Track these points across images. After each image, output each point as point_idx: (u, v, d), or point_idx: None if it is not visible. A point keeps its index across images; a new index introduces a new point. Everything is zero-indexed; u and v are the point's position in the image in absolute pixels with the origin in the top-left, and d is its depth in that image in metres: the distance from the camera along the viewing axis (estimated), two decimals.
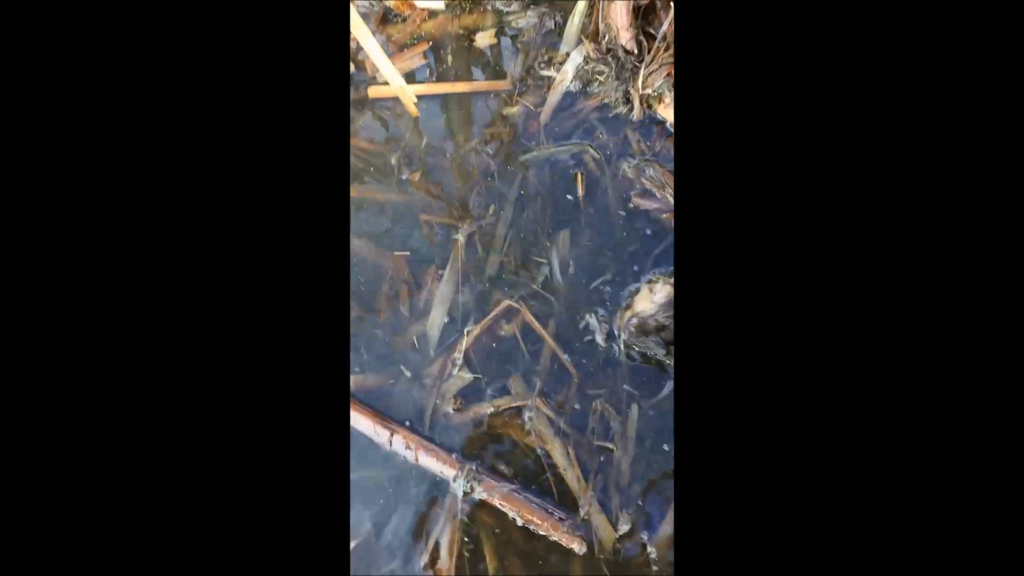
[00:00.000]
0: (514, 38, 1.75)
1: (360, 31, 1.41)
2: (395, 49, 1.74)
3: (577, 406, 1.33)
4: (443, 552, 1.24)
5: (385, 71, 1.53)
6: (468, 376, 1.36)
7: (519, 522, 1.25)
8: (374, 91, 1.68)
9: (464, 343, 1.38)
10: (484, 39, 1.77)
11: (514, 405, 1.34)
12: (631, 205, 1.51)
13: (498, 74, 1.72)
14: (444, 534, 1.25)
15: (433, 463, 1.30)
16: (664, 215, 1.50)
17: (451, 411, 1.35)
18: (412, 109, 1.63)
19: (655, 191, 1.52)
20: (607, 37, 1.64)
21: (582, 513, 1.25)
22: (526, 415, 1.33)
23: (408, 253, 1.49)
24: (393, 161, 1.61)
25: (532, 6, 1.73)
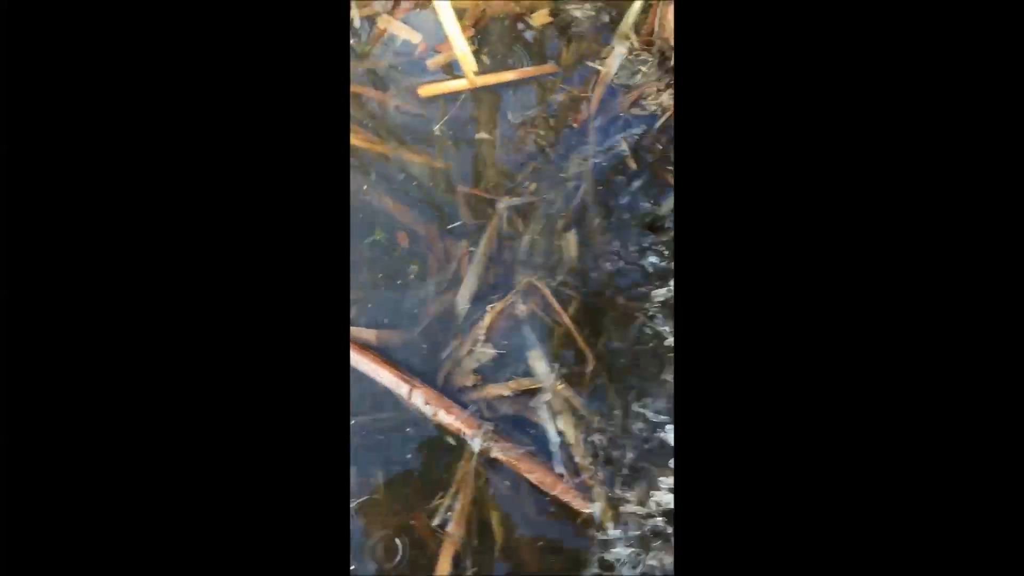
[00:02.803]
0: (568, 26, 1.78)
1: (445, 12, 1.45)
2: None
3: (592, 388, 1.43)
4: (455, 507, 1.34)
5: (459, 50, 1.57)
6: (491, 351, 1.44)
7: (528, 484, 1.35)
8: (428, 89, 1.71)
9: (488, 319, 1.46)
10: (539, 19, 1.79)
11: (533, 387, 1.42)
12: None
13: (542, 60, 1.76)
14: (456, 491, 1.35)
15: (452, 420, 1.38)
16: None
17: (469, 386, 1.43)
18: (472, 78, 1.67)
19: None
20: (656, 36, 1.69)
21: (585, 478, 1.35)
22: (543, 397, 1.42)
23: (446, 225, 1.56)
24: (437, 131, 1.65)
25: (590, 0, 1.77)
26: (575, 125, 1.68)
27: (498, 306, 1.47)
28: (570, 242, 1.54)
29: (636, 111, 1.69)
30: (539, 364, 1.44)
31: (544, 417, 1.40)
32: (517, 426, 1.40)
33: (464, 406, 1.40)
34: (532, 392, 1.41)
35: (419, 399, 1.40)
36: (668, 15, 1.65)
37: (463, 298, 1.49)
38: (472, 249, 1.53)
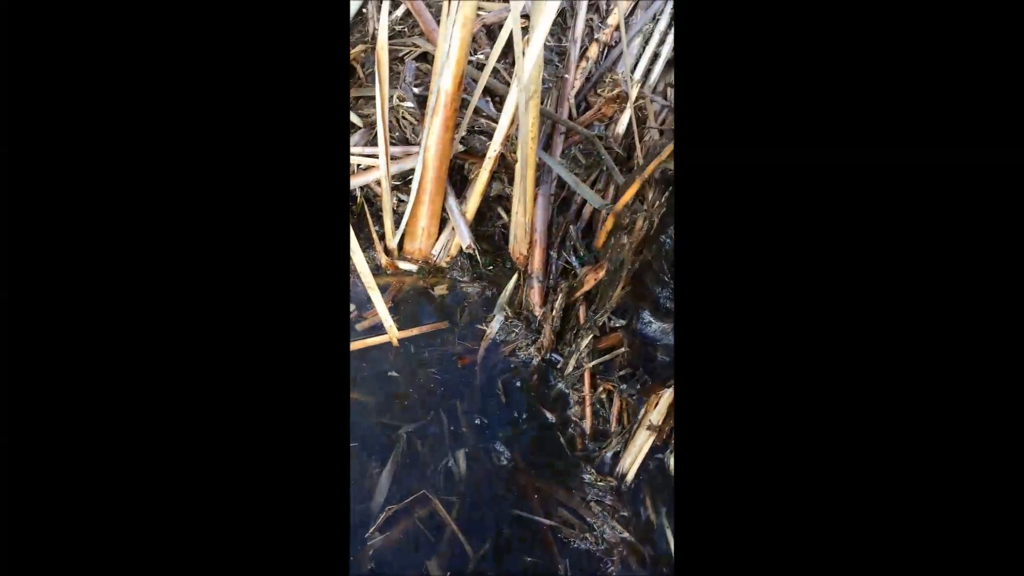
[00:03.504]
0: (463, 298, 2.46)
1: (373, 289, 2.08)
2: None
3: None
4: None
5: (382, 315, 2.18)
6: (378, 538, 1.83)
7: None
8: (358, 344, 2.32)
9: (381, 518, 1.87)
10: (440, 291, 2.47)
11: None
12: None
13: (442, 319, 2.41)
14: None
15: None
16: None
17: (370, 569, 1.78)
18: (393, 337, 2.26)
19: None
20: (524, 308, 2.38)
21: None
22: None
23: (363, 447, 2.02)
24: (363, 374, 2.19)
25: (478, 280, 2.48)
26: (461, 366, 2.26)
27: (395, 507, 1.87)
28: (458, 458, 2.02)
29: (512, 359, 2.30)
30: (430, 563, 1.81)
31: None
32: None
33: None
34: None
35: None
36: (531, 293, 2.36)
37: (376, 504, 1.90)
38: (379, 470, 1.98)
